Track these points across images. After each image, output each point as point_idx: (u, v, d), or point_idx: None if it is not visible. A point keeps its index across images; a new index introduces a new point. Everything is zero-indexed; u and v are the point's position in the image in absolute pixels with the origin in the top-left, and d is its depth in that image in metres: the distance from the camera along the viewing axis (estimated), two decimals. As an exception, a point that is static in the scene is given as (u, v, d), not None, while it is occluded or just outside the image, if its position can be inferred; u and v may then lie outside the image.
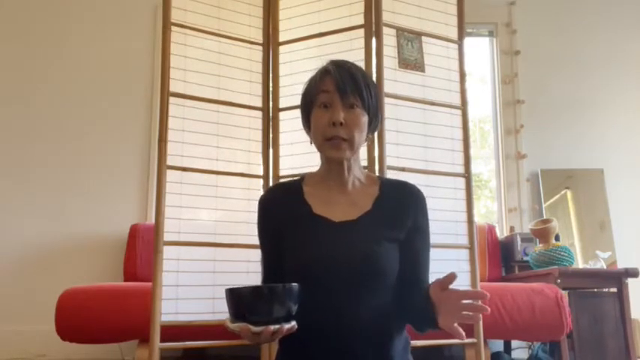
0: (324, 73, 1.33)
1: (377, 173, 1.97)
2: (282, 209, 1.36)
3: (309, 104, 1.35)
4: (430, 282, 1.32)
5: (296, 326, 1.13)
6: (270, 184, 2.09)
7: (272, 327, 1.08)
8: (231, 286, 1.12)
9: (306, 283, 1.24)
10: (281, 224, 1.35)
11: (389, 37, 2.09)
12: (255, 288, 1.12)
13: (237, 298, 1.11)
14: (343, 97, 1.28)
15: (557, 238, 2.97)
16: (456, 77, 2.19)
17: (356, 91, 1.29)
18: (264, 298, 1.09)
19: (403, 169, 2.03)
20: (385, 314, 1.26)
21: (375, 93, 1.35)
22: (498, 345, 3.08)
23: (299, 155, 2.04)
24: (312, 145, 1.39)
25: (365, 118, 1.31)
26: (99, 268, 3.17)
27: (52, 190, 3.29)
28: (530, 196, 3.57)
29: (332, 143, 1.29)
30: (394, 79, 2.08)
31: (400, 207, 1.34)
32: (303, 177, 1.43)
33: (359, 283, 1.25)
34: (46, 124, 3.37)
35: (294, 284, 1.13)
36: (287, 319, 1.11)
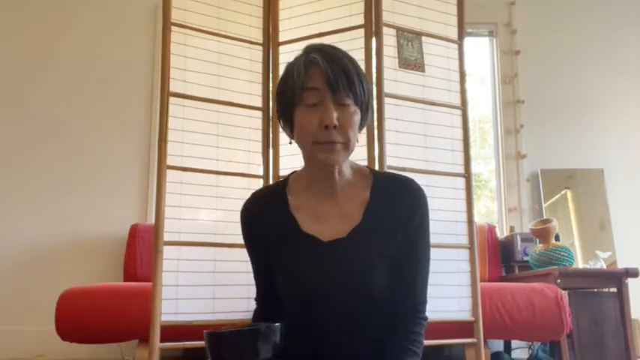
0: (309, 65, 1.13)
1: (377, 173, 1.96)
2: (268, 226, 1.23)
3: (290, 100, 1.15)
4: (425, 298, 1.24)
5: None
6: (270, 183, 2.09)
7: None
8: (210, 331, 1.08)
9: (297, 306, 1.20)
10: (268, 241, 1.22)
11: (389, 37, 2.09)
12: (236, 332, 1.08)
13: (217, 341, 1.07)
14: (335, 95, 1.11)
15: (557, 238, 2.97)
16: (456, 77, 2.19)
17: (349, 88, 1.12)
18: (244, 341, 1.06)
19: (403, 169, 2.02)
20: (381, 335, 1.19)
21: (367, 86, 1.17)
22: (498, 345, 3.08)
23: (299, 155, 2.02)
24: (294, 144, 1.23)
25: (358, 117, 1.15)
26: (99, 268, 3.17)
27: (52, 190, 3.29)
28: (530, 196, 3.57)
29: (324, 147, 1.13)
30: (394, 79, 2.08)
31: (392, 211, 1.19)
32: (287, 181, 1.28)
33: (349, 306, 1.16)
34: (46, 124, 3.36)
35: (275, 325, 1.08)
36: None
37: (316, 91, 1.12)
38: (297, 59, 1.17)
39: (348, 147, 1.15)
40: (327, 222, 1.20)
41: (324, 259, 1.17)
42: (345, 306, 1.16)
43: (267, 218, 1.23)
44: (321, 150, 1.13)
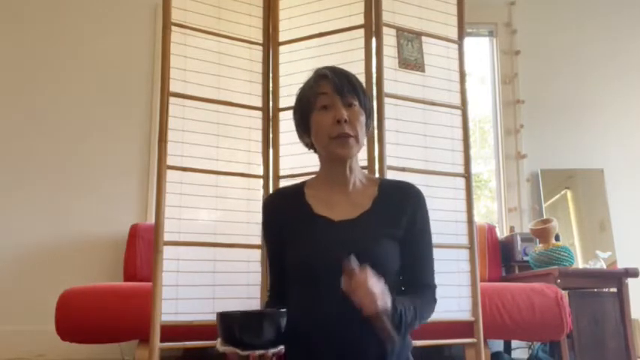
0: (319, 78, 1.37)
1: (377, 173, 1.97)
2: (285, 212, 1.40)
3: (306, 108, 1.37)
4: (434, 282, 1.39)
5: (283, 350, 1.18)
6: (270, 184, 2.10)
7: (257, 352, 1.15)
8: (223, 311, 1.20)
9: (306, 280, 1.28)
10: (283, 227, 1.39)
11: (389, 37, 2.09)
12: (244, 314, 1.20)
13: (228, 322, 1.18)
14: (342, 97, 1.33)
15: (557, 238, 2.97)
16: (456, 77, 2.19)
17: (353, 92, 1.34)
18: (253, 324, 1.17)
19: (403, 169, 2.03)
20: None
21: (368, 96, 1.41)
22: (498, 345, 3.08)
23: (299, 155, 2.03)
24: (310, 149, 1.43)
25: (363, 117, 1.36)
26: (99, 268, 3.17)
27: (52, 190, 3.29)
28: (530, 196, 3.57)
29: (339, 141, 1.32)
30: (394, 79, 2.08)
31: (398, 206, 1.37)
32: (305, 182, 1.47)
33: None
34: (46, 124, 3.36)
35: (282, 310, 1.19)
36: (274, 344, 1.17)
37: (326, 95, 1.33)
38: (308, 79, 1.40)
39: (358, 140, 1.34)
40: (338, 207, 1.37)
41: (333, 234, 1.32)
42: None
43: (285, 208, 1.41)
44: (337, 144, 1.33)
